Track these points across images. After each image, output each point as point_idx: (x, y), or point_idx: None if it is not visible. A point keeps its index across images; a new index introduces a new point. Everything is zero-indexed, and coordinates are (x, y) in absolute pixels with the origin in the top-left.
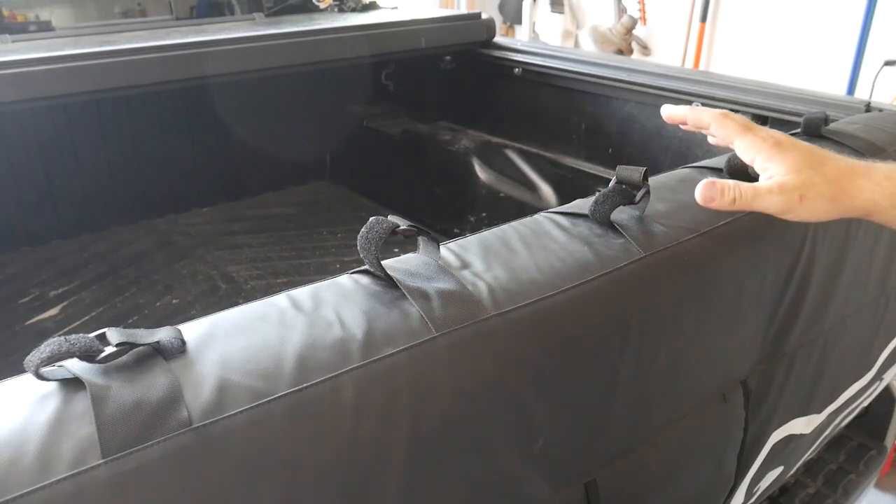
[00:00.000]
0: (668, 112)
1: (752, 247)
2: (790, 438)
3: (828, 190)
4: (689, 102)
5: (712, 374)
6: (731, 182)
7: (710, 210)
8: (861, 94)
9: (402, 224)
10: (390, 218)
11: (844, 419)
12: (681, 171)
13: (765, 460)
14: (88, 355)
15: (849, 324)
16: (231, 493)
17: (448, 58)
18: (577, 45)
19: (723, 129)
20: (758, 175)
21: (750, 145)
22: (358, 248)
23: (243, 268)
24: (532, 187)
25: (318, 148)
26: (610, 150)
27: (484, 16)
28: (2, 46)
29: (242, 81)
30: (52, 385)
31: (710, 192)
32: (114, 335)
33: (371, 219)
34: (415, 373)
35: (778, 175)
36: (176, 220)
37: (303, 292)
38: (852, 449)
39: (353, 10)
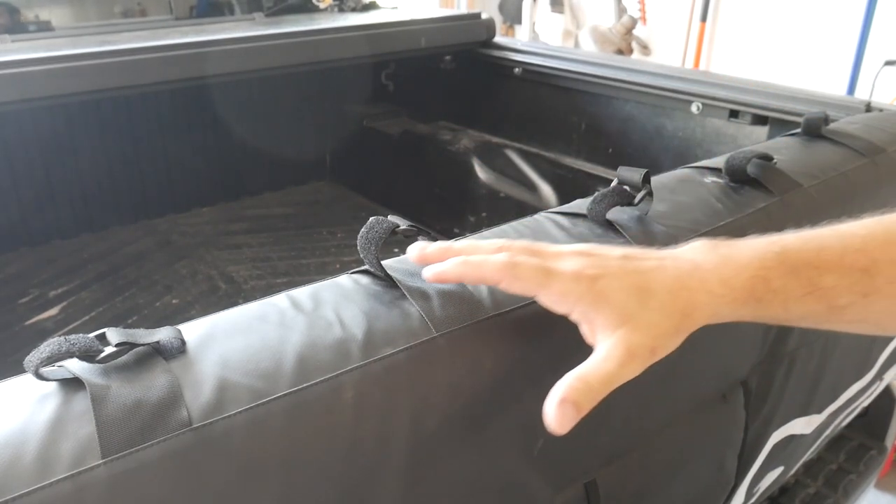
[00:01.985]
0: (418, 254)
1: None
2: (791, 438)
3: (671, 325)
4: (690, 102)
5: (712, 375)
6: (579, 386)
7: (711, 210)
8: (861, 94)
9: (402, 224)
10: (390, 218)
11: (845, 419)
12: (681, 171)
13: (765, 460)
14: (88, 355)
15: None
16: (231, 493)
17: (448, 58)
18: (577, 45)
19: (518, 283)
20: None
21: (561, 295)
22: (358, 248)
23: (243, 268)
24: (532, 187)
25: (318, 148)
26: (610, 150)
27: (484, 16)
28: (2, 46)
29: (242, 81)
30: (52, 385)
31: (562, 412)
32: (114, 335)
33: (371, 219)
34: (415, 373)
35: (609, 328)
36: (176, 220)
37: (303, 292)
38: (852, 449)
39: (353, 10)
